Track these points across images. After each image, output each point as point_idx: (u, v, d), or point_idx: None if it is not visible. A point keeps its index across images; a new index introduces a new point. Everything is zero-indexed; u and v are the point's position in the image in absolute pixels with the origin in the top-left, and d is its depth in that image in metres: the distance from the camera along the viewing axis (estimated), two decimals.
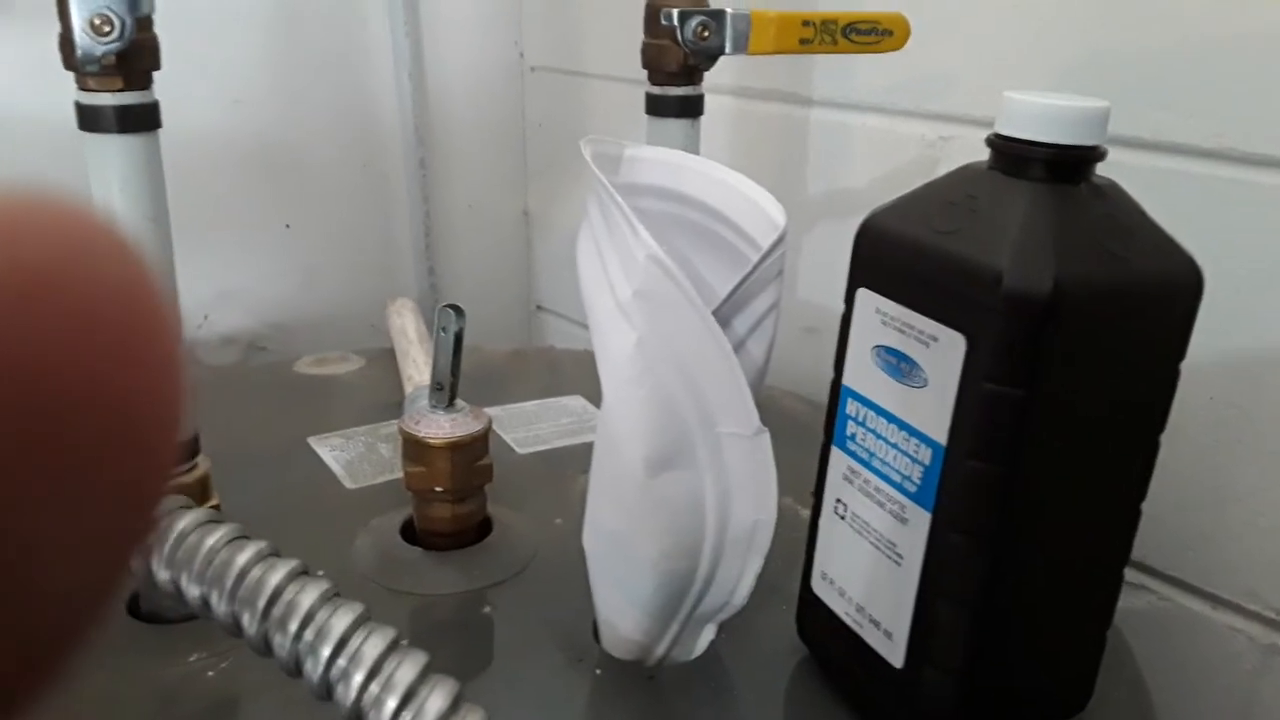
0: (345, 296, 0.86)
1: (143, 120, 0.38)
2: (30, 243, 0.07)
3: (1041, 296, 0.29)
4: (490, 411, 0.64)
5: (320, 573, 0.45)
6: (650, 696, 0.40)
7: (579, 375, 0.70)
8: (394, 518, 0.49)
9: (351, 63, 0.84)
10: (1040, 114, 0.31)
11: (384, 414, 0.61)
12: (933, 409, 0.32)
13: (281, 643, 0.26)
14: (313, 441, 0.58)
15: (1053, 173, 0.32)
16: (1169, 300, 0.32)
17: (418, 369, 0.58)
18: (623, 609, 0.40)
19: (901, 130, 0.64)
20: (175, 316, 0.09)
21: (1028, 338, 0.30)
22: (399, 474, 0.47)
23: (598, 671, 0.40)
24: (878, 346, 0.35)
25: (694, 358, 0.36)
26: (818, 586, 0.40)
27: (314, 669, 0.25)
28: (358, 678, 0.25)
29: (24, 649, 0.08)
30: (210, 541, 0.27)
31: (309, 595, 0.26)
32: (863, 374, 0.36)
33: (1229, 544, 0.53)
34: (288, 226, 0.84)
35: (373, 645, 0.26)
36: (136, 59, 0.36)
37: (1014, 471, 0.31)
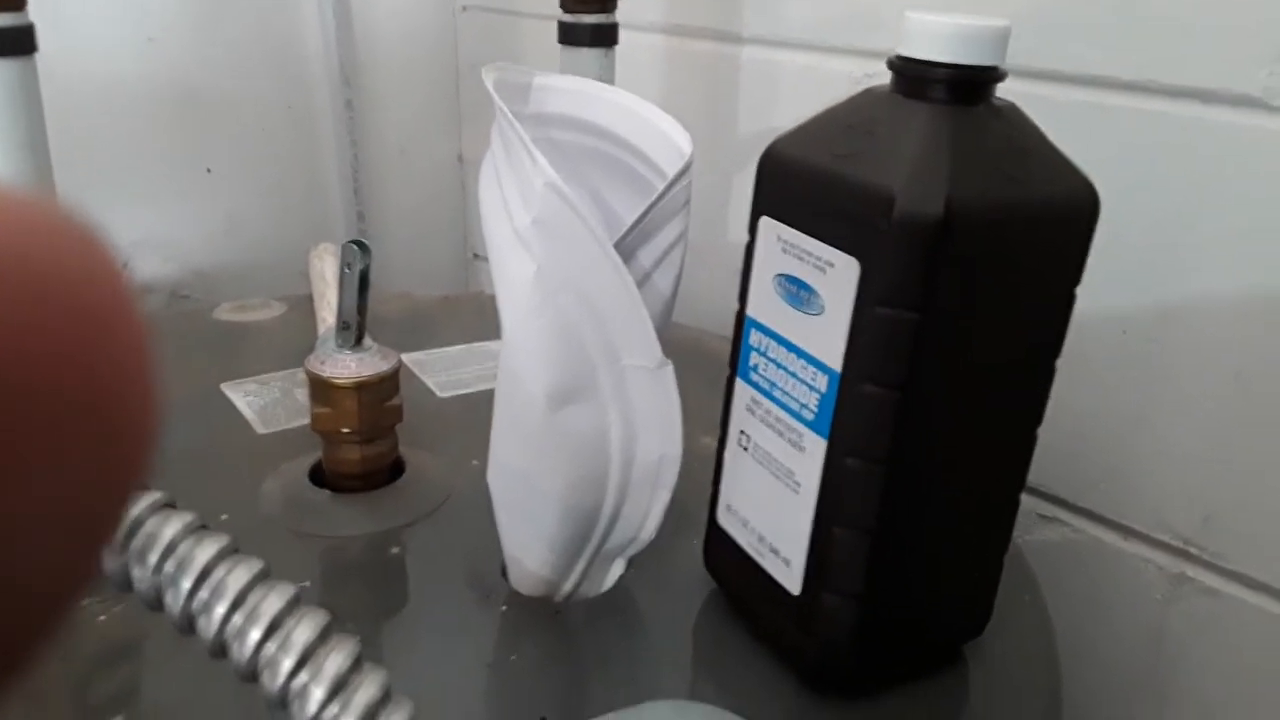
0: (271, 242, 0.84)
1: (17, 43, 0.36)
2: None
3: (933, 218, 0.29)
4: (415, 356, 0.63)
5: (224, 516, 0.45)
6: (557, 632, 0.40)
7: None
8: (304, 462, 0.48)
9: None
10: (938, 33, 0.31)
11: (302, 360, 0.59)
12: (828, 335, 0.32)
13: (141, 575, 0.25)
14: (226, 388, 0.56)
15: (951, 94, 0.31)
16: (1064, 223, 0.32)
17: (332, 311, 0.56)
18: (528, 545, 0.39)
19: (830, 67, 0.63)
20: (138, 297, 0.09)
21: (920, 260, 0.29)
22: (309, 418, 0.46)
23: (504, 608, 0.40)
24: (778, 275, 0.34)
25: (595, 288, 0.35)
26: (723, 519, 0.39)
27: (174, 601, 0.25)
28: (219, 609, 0.24)
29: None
30: None
31: (171, 528, 0.25)
32: (765, 304, 0.35)
33: (1139, 476, 0.54)
34: (209, 170, 0.81)
35: (237, 577, 0.25)
36: None
37: (908, 395, 0.31)
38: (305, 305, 0.68)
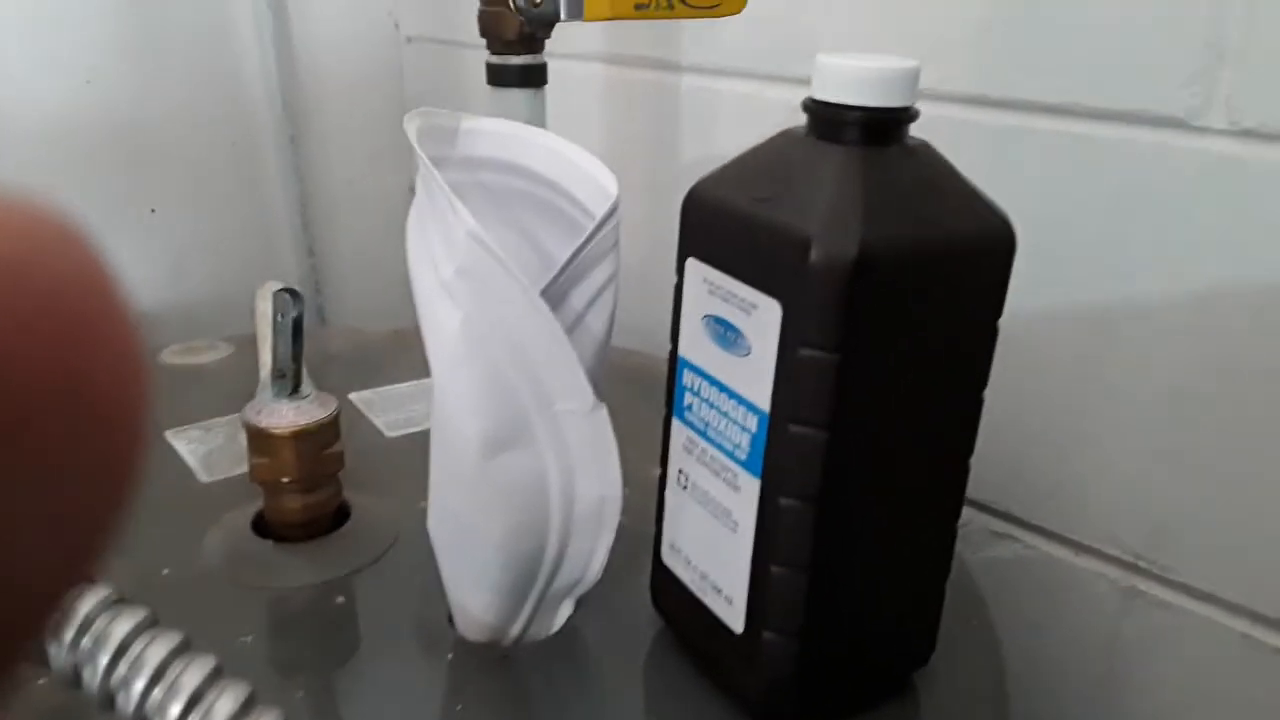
0: (218, 282, 0.83)
1: None
2: None
3: (848, 261, 0.29)
4: (362, 395, 0.63)
5: (165, 571, 0.44)
6: (506, 676, 0.39)
7: None
8: (247, 510, 0.48)
9: (212, 36, 0.81)
10: (849, 76, 0.31)
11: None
12: (756, 376, 0.32)
13: (56, 653, 0.25)
14: (169, 435, 0.56)
15: (864, 135, 0.32)
16: (981, 258, 0.32)
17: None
18: (472, 591, 0.39)
19: (768, 95, 0.64)
20: (132, 304, 0.09)
21: (838, 302, 0.30)
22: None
23: (450, 656, 0.40)
24: (706, 316, 0.35)
25: (522, 335, 0.35)
26: (667, 557, 0.39)
27: (92, 677, 0.24)
28: (138, 684, 0.24)
29: None
30: None
31: (87, 604, 0.25)
32: (695, 344, 0.36)
33: (1088, 492, 0.55)
34: (153, 211, 0.80)
35: (155, 651, 0.25)
36: None
37: (835, 434, 0.31)
38: (253, 345, 0.67)
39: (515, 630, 0.40)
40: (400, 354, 0.72)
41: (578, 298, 0.38)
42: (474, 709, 0.38)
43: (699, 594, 0.37)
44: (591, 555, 0.39)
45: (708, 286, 0.34)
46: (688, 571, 0.38)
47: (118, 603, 0.26)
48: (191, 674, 0.25)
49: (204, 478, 0.52)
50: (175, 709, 0.24)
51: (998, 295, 0.33)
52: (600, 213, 0.37)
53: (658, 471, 0.41)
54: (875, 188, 0.31)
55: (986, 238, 0.32)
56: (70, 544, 0.08)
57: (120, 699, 0.25)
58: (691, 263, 0.35)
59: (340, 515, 0.47)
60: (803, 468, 0.32)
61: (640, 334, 0.55)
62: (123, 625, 0.25)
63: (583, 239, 0.37)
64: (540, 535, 0.38)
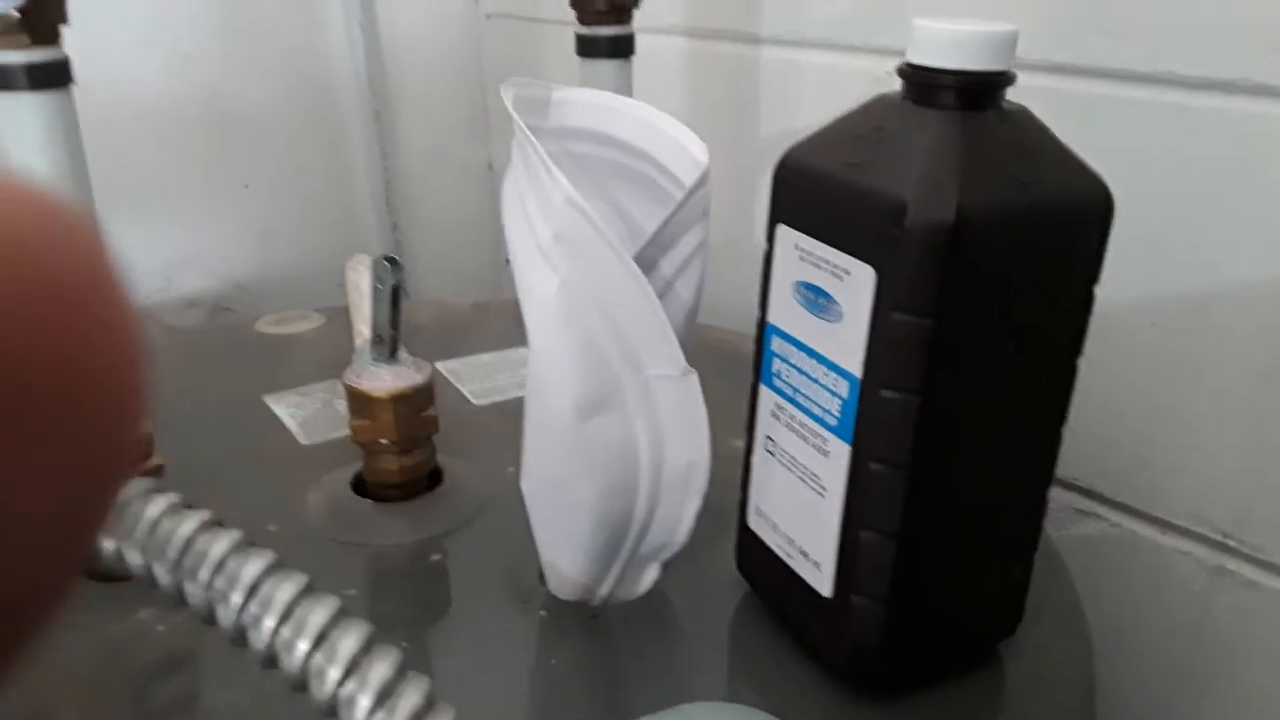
0: (307, 255, 0.86)
1: (53, 76, 0.37)
2: None
3: (945, 226, 0.29)
4: (448, 364, 0.65)
5: (272, 527, 0.46)
6: (595, 635, 0.41)
7: None
8: (346, 472, 0.50)
9: (302, 15, 0.83)
10: (946, 40, 0.31)
11: (341, 371, 0.61)
12: (848, 342, 0.33)
13: (194, 591, 0.26)
14: (269, 399, 0.58)
15: (960, 100, 0.31)
16: (1077, 224, 0.32)
17: (367, 323, 0.58)
18: (563, 551, 0.40)
19: (850, 66, 0.63)
20: (131, 285, 0.09)
21: (933, 267, 0.30)
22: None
23: (543, 613, 0.41)
24: (797, 282, 0.35)
25: (616, 300, 0.36)
26: (753, 522, 0.40)
27: (226, 616, 0.26)
28: (269, 622, 0.26)
29: None
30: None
31: (220, 545, 0.27)
32: (785, 310, 0.36)
33: (1175, 469, 0.54)
34: (246, 187, 0.83)
35: (284, 591, 0.26)
36: (41, 15, 0.35)
37: (927, 400, 0.32)
38: (343, 316, 0.70)
39: (604, 590, 0.41)
40: (482, 325, 0.74)
41: (667, 265, 0.39)
42: (565, 664, 0.39)
43: (786, 559, 0.38)
44: (679, 519, 0.40)
45: (799, 253, 0.35)
46: (774, 536, 0.39)
47: (248, 545, 0.27)
48: (318, 614, 0.26)
49: (303, 440, 0.54)
50: (303, 646, 0.26)
51: (1095, 261, 0.33)
52: (690, 181, 0.38)
53: (736, 443, 0.42)
54: (972, 152, 0.31)
55: (1085, 202, 0.32)
56: (56, 532, 0.08)
57: (251, 636, 0.26)
58: (782, 229, 0.36)
59: (434, 478, 0.49)
60: (894, 433, 0.32)
61: (714, 308, 0.56)
62: (253, 566, 0.27)
63: (674, 207, 0.38)
64: (629, 498, 0.39)
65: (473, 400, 0.60)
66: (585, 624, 0.41)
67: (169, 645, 0.40)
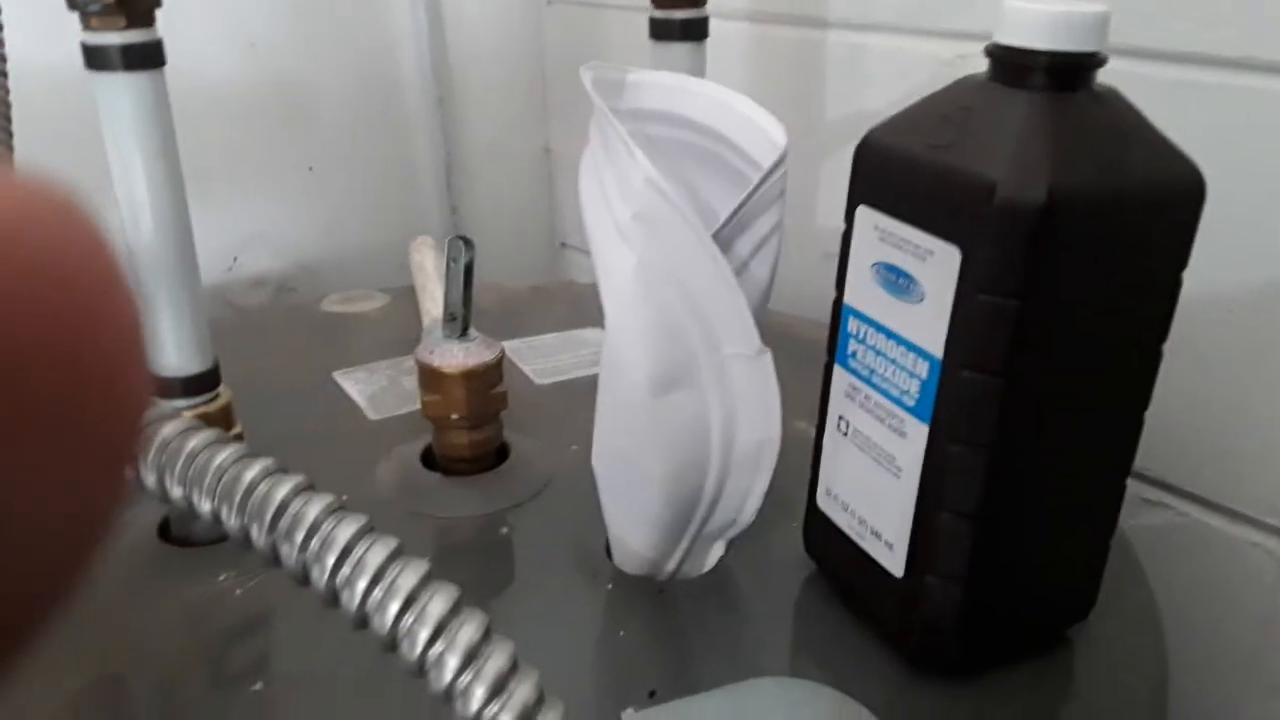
0: (370, 237, 0.87)
1: (147, 58, 0.38)
2: None
3: (1035, 206, 0.29)
4: (510, 344, 0.65)
5: (344, 497, 0.47)
6: (661, 609, 0.41)
7: (599, 307, 0.70)
8: (415, 445, 0.50)
9: (367, 2, 0.84)
10: (1038, 21, 0.31)
11: (407, 349, 0.62)
12: (929, 323, 0.33)
13: (289, 553, 0.27)
14: (337, 375, 0.59)
15: (1051, 81, 0.31)
16: (1168, 207, 0.31)
17: (435, 303, 0.58)
18: (632, 526, 0.41)
19: (919, 50, 0.63)
20: (128, 275, 0.09)
21: (1022, 248, 0.30)
22: (419, 405, 0.49)
23: (610, 586, 0.42)
24: (877, 263, 0.35)
25: (694, 280, 0.36)
26: (823, 502, 0.40)
27: (320, 577, 0.27)
28: (361, 584, 0.26)
29: None
30: (220, 458, 0.28)
31: (314, 507, 0.27)
32: (863, 291, 0.36)
33: (1247, 459, 0.53)
34: (311, 169, 0.85)
35: (375, 554, 0.27)
36: None
37: (1009, 381, 0.31)
38: (407, 296, 0.71)
39: (670, 566, 0.42)
40: (542, 308, 0.74)
41: (743, 246, 0.39)
42: (633, 637, 0.39)
43: (857, 539, 0.38)
44: (747, 497, 0.40)
45: (878, 234, 0.35)
46: (845, 517, 0.39)
47: (340, 509, 0.28)
48: (407, 576, 0.27)
49: (371, 415, 0.55)
50: (394, 607, 0.26)
51: (1184, 246, 0.32)
52: (767, 163, 0.38)
53: (801, 425, 0.42)
54: (1063, 133, 0.30)
55: (1175, 186, 0.31)
56: (59, 530, 0.08)
57: (344, 597, 0.27)
58: (862, 210, 0.35)
59: (501, 453, 0.50)
60: (975, 414, 0.32)
61: (774, 290, 0.56)
62: (346, 530, 0.27)
63: (750, 188, 0.38)
64: (700, 475, 0.39)
65: (535, 380, 0.60)
66: (652, 598, 0.41)
67: (246, 610, 0.41)
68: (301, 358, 0.63)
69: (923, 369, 0.33)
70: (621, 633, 0.40)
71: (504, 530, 0.45)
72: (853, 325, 0.37)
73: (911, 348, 0.34)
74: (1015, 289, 0.30)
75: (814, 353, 0.41)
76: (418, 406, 0.49)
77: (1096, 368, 0.33)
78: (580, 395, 0.58)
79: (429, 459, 0.49)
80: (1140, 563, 0.45)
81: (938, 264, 0.32)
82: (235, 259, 0.82)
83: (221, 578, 0.42)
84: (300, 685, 0.37)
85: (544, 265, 1.01)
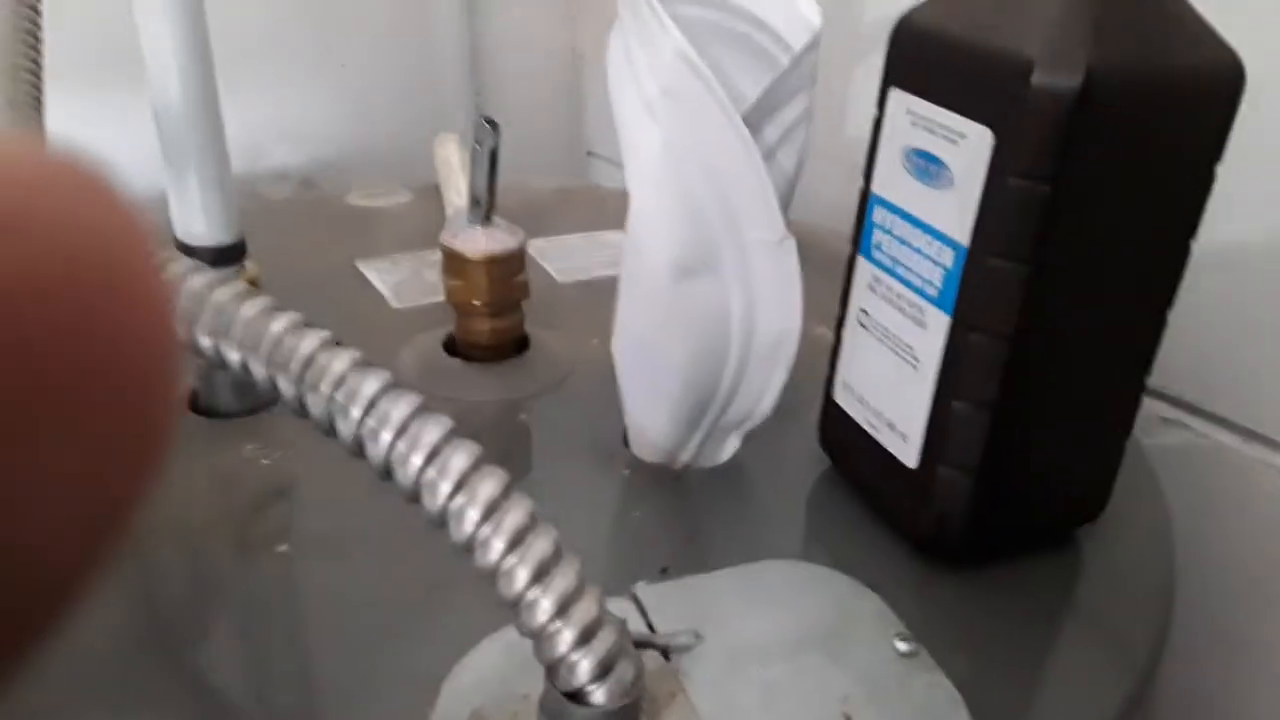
0: (393, 134, 0.86)
1: None
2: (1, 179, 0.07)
3: (1072, 87, 0.29)
4: (534, 243, 0.65)
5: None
6: (676, 494, 0.42)
7: (623, 211, 0.70)
8: (437, 333, 0.51)
9: None
10: None
11: (430, 243, 0.62)
12: (957, 210, 0.32)
13: (315, 403, 0.28)
14: (360, 264, 0.60)
15: None
16: (1207, 95, 0.31)
17: (460, 195, 0.58)
18: (650, 413, 0.41)
19: None
20: (157, 249, 0.08)
21: (1057, 131, 0.29)
22: (442, 296, 0.49)
23: (626, 472, 0.42)
24: (907, 149, 0.35)
25: (721, 159, 0.36)
26: (839, 396, 0.40)
27: (346, 429, 0.27)
28: (385, 436, 0.27)
29: (7, 602, 0.07)
30: (248, 312, 0.29)
31: (341, 361, 0.28)
32: (891, 179, 0.36)
33: (1265, 380, 0.52)
34: (343, 66, 0.84)
35: (400, 409, 0.27)
36: None
37: (1038, 271, 0.31)
38: (429, 193, 0.71)
39: (686, 455, 0.42)
40: (566, 209, 0.74)
41: (771, 132, 0.39)
42: (648, 518, 0.40)
43: (872, 431, 0.38)
44: (764, 389, 0.40)
45: (910, 118, 0.34)
46: (861, 409, 0.39)
47: (366, 364, 0.29)
48: (431, 430, 0.27)
49: (395, 304, 0.55)
50: (417, 460, 0.27)
51: (1220, 136, 0.32)
52: (798, 45, 0.37)
53: (817, 330, 0.42)
54: (1103, 15, 0.29)
55: (1216, 73, 0.31)
56: (85, 513, 0.08)
57: (369, 449, 0.28)
58: (895, 94, 0.35)
59: (521, 344, 0.50)
60: (999, 303, 0.32)
61: (797, 199, 0.55)
62: (371, 383, 0.28)
63: (781, 71, 0.37)
64: (719, 363, 0.39)
65: (558, 278, 0.60)
66: (667, 484, 0.42)
67: (272, 479, 0.42)
68: (325, 248, 0.63)
69: (948, 258, 0.33)
70: (636, 514, 0.40)
71: (523, 417, 0.46)
72: (878, 215, 0.37)
73: (938, 235, 0.33)
74: (1048, 173, 0.30)
75: (834, 261, 0.41)
76: (441, 297, 0.50)
77: (1124, 259, 0.32)
78: (603, 293, 0.58)
79: (451, 347, 0.50)
80: (1155, 473, 0.45)
81: (969, 148, 0.31)
82: (260, 151, 0.82)
83: (249, 448, 0.42)
84: (325, 546, 0.38)
85: (570, 170, 1.00)
